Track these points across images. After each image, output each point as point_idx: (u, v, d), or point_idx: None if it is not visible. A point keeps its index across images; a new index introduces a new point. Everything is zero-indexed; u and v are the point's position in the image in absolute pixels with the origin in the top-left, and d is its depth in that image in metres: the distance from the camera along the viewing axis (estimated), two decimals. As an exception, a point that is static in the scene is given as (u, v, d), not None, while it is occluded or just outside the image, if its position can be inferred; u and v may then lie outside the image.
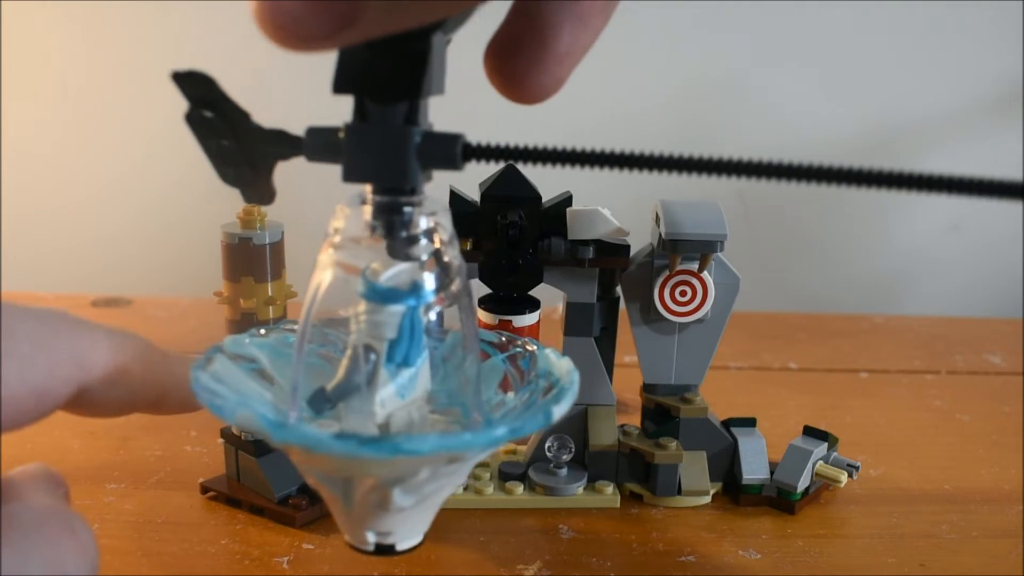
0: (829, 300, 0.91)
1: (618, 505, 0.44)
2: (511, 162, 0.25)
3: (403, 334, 0.27)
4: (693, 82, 0.85)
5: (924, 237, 0.91)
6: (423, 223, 0.27)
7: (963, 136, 0.87)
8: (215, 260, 0.44)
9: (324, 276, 0.27)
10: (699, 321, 0.44)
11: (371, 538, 0.28)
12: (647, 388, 0.46)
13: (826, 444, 0.45)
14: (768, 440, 0.46)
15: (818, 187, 0.23)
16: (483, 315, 0.44)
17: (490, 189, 0.42)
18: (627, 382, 0.49)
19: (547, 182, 0.42)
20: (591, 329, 0.44)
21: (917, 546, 0.42)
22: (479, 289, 0.42)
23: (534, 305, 0.44)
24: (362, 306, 0.27)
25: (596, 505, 0.44)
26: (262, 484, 0.42)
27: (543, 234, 0.42)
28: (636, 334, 0.45)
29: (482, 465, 0.45)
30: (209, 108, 0.26)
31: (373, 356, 0.27)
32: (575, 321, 0.44)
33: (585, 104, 0.79)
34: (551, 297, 0.45)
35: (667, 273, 0.43)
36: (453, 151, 0.25)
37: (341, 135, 0.25)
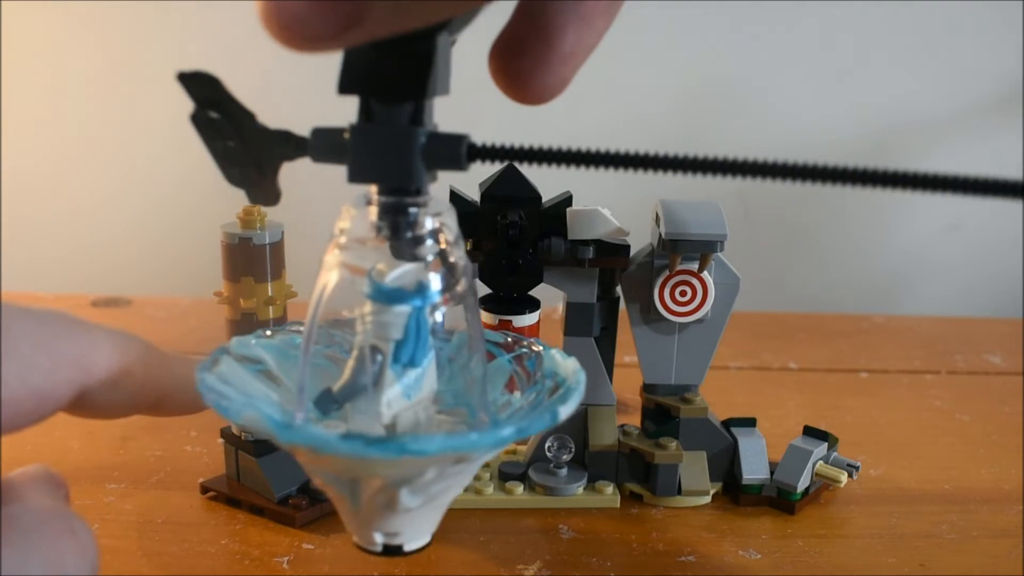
0: (829, 300, 0.91)
1: (618, 505, 0.44)
2: (512, 162, 0.25)
3: (409, 335, 0.27)
4: (693, 82, 0.85)
5: (924, 237, 0.91)
6: (428, 223, 0.27)
7: (963, 136, 0.87)
8: (215, 260, 0.44)
9: (330, 277, 0.27)
10: (699, 321, 0.44)
11: (379, 539, 0.28)
12: (647, 388, 0.46)
13: (826, 444, 0.45)
14: (768, 440, 0.46)
15: (818, 187, 0.23)
16: (483, 315, 0.44)
17: (490, 189, 0.42)
18: (627, 382, 0.50)
19: (547, 182, 0.42)
20: (591, 329, 0.44)
21: (917, 546, 0.42)
22: (479, 289, 0.42)
23: (534, 305, 0.44)
24: (368, 307, 0.27)
25: (596, 505, 0.44)
26: (262, 484, 0.42)
27: (543, 234, 0.42)
28: (636, 334, 0.45)
29: (482, 465, 0.45)
30: (215, 109, 0.26)
31: (379, 357, 0.27)
32: (575, 321, 0.44)
33: (588, 105, 0.80)
34: (551, 297, 0.45)
35: (667, 273, 0.43)
36: (458, 151, 0.25)
37: (346, 136, 0.25)
